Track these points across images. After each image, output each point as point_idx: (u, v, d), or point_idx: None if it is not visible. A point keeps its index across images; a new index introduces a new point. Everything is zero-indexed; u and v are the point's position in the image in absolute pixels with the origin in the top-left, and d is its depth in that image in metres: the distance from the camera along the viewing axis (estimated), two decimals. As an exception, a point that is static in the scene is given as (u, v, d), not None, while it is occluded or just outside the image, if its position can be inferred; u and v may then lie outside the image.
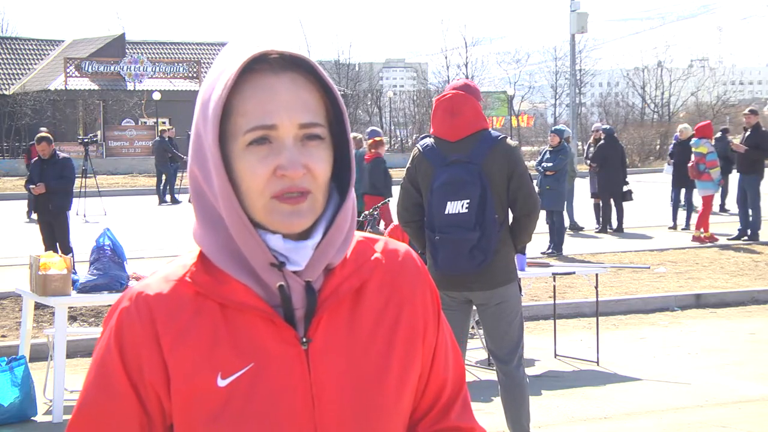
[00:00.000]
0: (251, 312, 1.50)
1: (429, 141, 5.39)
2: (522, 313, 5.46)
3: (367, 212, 12.86)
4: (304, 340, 1.52)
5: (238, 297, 1.50)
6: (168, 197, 26.39)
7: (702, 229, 15.72)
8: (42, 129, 22.52)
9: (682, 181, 17.31)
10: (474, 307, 5.50)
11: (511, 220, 5.33)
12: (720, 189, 17.47)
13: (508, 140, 5.29)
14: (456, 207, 5.17)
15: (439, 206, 5.21)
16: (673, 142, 19.39)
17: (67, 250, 11.07)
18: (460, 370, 1.71)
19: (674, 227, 17.42)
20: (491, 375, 7.00)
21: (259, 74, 1.48)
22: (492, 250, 5.14)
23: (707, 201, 15.92)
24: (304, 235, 1.51)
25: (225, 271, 1.51)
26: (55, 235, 11.58)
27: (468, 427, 1.68)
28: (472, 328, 8.20)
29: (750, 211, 15.89)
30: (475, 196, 5.13)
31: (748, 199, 15.82)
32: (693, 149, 16.08)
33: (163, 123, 44.07)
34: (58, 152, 11.87)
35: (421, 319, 1.63)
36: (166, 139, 26.74)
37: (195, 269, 1.53)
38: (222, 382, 1.49)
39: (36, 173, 11.73)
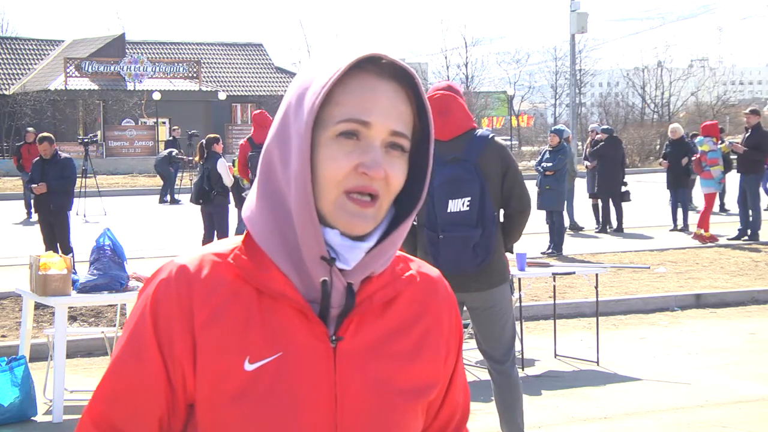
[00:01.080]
0: (286, 302, 1.53)
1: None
2: (513, 312, 5.51)
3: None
4: (334, 338, 1.54)
5: (275, 286, 1.52)
6: (168, 197, 26.44)
7: (703, 229, 15.72)
8: (28, 129, 22.52)
9: (677, 181, 17.31)
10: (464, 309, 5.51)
11: (502, 218, 5.36)
12: (722, 187, 17.46)
13: (497, 139, 5.37)
14: (458, 205, 5.19)
15: (441, 205, 5.22)
16: (666, 143, 19.37)
17: (67, 250, 11.08)
18: (468, 398, 1.78)
19: (675, 228, 17.41)
20: (491, 375, 6.99)
21: (365, 73, 1.52)
22: (492, 248, 5.16)
23: (709, 199, 15.93)
24: (360, 237, 1.54)
25: (269, 255, 1.54)
26: (56, 235, 11.58)
27: None
28: (472, 328, 8.19)
29: (750, 211, 15.90)
30: (475, 194, 5.16)
31: (748, 199, 15.83)
32: (699, 147, 16.14)
33: (163, 123, 44.12)
34: (59, 152, 11.89)
35: (445, 342, 1.67)
36: (175, 154, 27.10)
37: (239, 252, 1.56)
38: (249, 366, 1.51)
39: (37, 173, 11.73)
